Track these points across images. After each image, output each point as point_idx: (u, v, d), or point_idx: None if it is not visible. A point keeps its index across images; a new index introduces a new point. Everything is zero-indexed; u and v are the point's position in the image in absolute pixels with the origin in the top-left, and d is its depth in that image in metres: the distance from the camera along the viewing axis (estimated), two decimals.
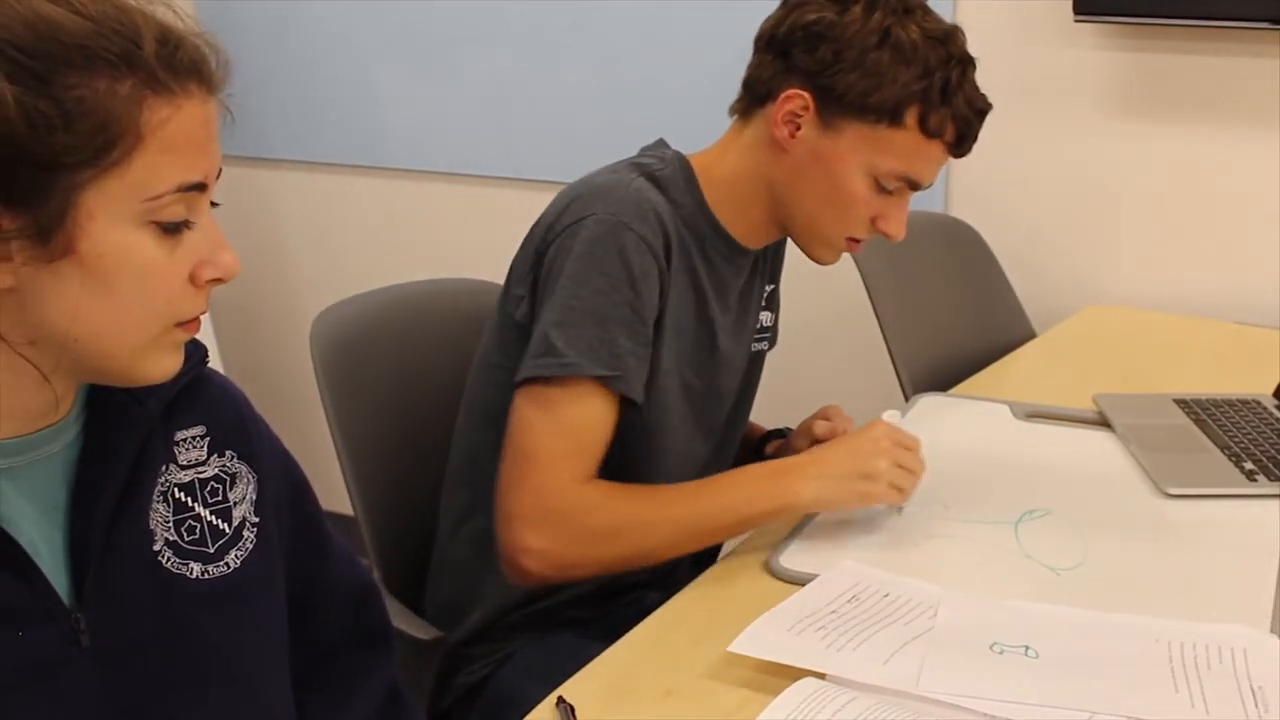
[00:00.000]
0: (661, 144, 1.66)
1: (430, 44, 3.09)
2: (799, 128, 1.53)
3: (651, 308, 1.51)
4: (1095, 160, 2.61)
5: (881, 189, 1.55)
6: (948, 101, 1.52)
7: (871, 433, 1.52)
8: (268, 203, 3.34)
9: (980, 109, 1.56)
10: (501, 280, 1.92)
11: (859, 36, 1.50)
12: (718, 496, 1.51)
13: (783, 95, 1.53)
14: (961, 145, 1.56)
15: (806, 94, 1.52)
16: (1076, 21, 2.47)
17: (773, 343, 1.81)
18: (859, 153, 1.52)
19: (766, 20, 1.59)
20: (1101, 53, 2.55)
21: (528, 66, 3.01)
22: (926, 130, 1.52)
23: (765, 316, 1.76)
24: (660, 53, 2.87)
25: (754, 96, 1.58)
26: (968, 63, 1.54)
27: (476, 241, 3.07)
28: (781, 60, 1.54)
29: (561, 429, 1.47)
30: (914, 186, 1.57)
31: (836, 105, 1.51)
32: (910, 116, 1.51)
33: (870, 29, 1.50)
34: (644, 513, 1.50)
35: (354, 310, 1.84)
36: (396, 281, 1.94)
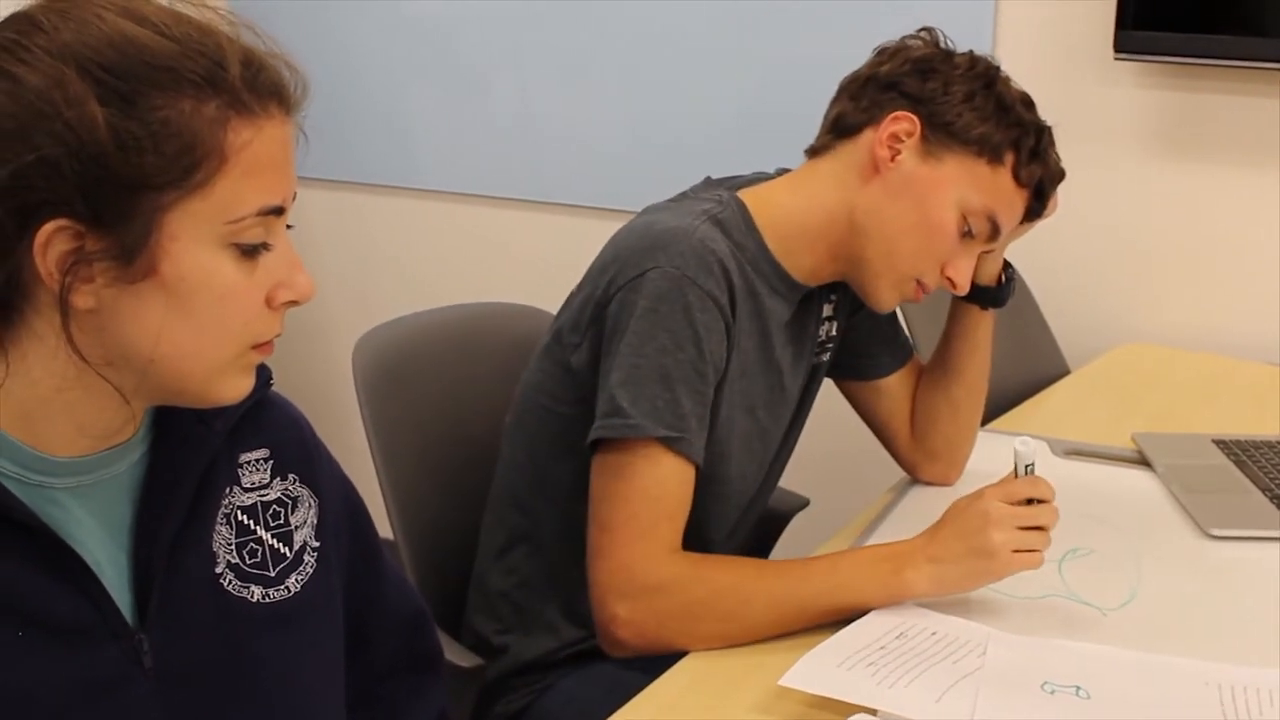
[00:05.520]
0: (710, 183, 1.65)
1: (465, 66, 3.10)
2: (899, 152, 1.54)
3: (716, 367, 1.49)
4: (1133, 198, 2.60)
5: (965, 231, 1.55)
6: (1039, 157, 1.57)
7: (978, 505, 1.42)
8: (304, 223, 3.34)
9: (1060, 174, 1.61)
10: (537, 304, 1.93)
11: (966, 78, 1.55)
12: (821, 577, 1.43)
13: (890, 116, 1.53)
14: (1039, 203, 1.60)
15: (915, 117, 1.53)
16: (1117, 60, 2.47)
17: (835, 347, 1.75)
18: (956, 184, 1.53)
19: (863, 67, 1.60)
20: (1142, 91, 2.55)
21: (562, 91, 3.02)
22: (1018, 178, 1.55)
23: (826, 328, 1.72)
24: (694, 77, 2.87)
25: (842, 130, 1.58)
26: (1048, 130, 1.59)
27: (512, 266, 3.07)
28: (886, 91, 1.55)
29: (640, 496, 1.43)
30: (993, 235, 1.57)
31: (943, 132, 1.53)
32: (1008, 159, 1.54)
33: (976, 75, 1.56)
34: (738, 587, 1.43)
35: (396, 333, 1.83)
36: (428, 304, 1.93)
